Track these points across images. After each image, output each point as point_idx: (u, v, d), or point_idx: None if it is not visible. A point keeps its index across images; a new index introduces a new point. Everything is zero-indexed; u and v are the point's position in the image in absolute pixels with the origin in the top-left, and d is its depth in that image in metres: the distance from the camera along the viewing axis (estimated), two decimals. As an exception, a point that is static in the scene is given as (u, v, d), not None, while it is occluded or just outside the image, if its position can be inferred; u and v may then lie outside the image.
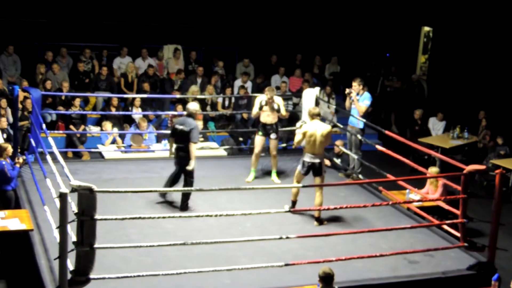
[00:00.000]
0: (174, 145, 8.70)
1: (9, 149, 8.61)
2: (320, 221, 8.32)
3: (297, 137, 8.62)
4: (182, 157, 8.55)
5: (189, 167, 8.48)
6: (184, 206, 8.57)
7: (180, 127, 8.56)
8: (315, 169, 8.37)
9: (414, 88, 15.95)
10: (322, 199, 8.30)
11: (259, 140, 9.97)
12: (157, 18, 16.17)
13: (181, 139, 8.56)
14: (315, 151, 8.33)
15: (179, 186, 8.64)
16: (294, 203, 8.50)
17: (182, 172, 8.64)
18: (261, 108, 9.82)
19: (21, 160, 8.73)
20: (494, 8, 14.76)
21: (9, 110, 11.51)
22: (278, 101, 9.85)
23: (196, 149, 8.66)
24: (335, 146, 10.81)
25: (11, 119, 11.34)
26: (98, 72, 13.81)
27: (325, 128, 8.41)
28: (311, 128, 8.37)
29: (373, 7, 17.24)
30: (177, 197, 8.74)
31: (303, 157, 8.45)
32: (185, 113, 8.95)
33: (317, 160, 8.33)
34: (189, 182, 8.58)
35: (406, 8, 16.90)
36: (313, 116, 8.49)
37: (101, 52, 14.63)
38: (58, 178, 6.70)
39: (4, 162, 8.41)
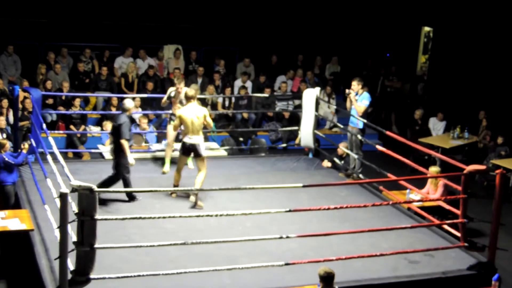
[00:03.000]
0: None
1: (7, 146, 8.69)
2: (195, 201, 8.61)
3: (175, 122, 8.95)
4: (113, 150, 8.58)
5: (131, 163, 8.46)
6: (130, 197, 8.63)
7: (113, 123, 8.60)
8: (195, 150, 8.67)
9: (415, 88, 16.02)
10: (203, 178, 8.69)
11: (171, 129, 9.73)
12: (157, 18, 16.18)
13: (113, 135, 8.59)
14: (193, 133, 8.62)
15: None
16: (175, 186, 8.84)
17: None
18: (169, 98, 9.89)
19: (26, 145, 8.75)
20: (494, 8, 14.76)
21: (10, 110, 11.52)
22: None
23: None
24: (338, 148, 10.79)
25: (11, 119, 11.35)
26: (98, 72, 13.82)
27: (201, 110, 8.69)
28: (186, 111, 8.62)
29: (373, 7, 17.24)
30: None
31: (183, 138, 8.77)
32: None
33: (195, 141, 8.63)
34: (114, 179, 8.53)
35: (406, 8, 16.90)
36: (188, 99, 8.72)
37: (102, 52, 14.64)
38: (59, 178, 6.71)
39: (2, 156, 8.47)
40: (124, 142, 8.44)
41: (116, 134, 8.52)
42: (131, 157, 8.53)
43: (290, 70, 15.08)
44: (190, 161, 9.76)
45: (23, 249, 7.54)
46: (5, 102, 11.55)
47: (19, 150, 8.85)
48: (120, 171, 8.57)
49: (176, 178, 8.92)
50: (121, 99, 13.10)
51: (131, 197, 8.70)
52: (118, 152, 8.54)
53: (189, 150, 8.71)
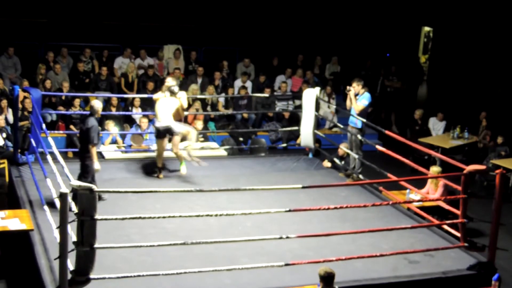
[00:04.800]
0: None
1: None
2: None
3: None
4: (80, 157, 8.38)
5: (96, 168, 8.27)
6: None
7: (81, 126, 8.50)
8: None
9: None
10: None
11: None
12: (157, 18, 16.19)
13: (81, 139, 8.43)
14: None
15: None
16: (160, 169, 9.80)
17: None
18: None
19: None
20: (494, 8, 14.77)
21: (9, 110, 11.52)
22: None
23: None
24: (339, 148, 10.77)
25: (11, 119, 11.34)
26: (98, 72, 13.81)
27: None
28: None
29: (373, 7, 17.25)
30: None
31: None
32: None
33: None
34: (83, 175, 8.26)
35: (406, 8, 16.92)
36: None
37: (101, 52, 14.63)
38: (59, 178, 6.71)
39: None
40: (92, 148, 8.23)
41: (84, 138, 8.31)
42: (97, 164, 8.32)
43: (287, 69, 15.04)
44: (183, 166, 9.76)
45: (23, 249, 7.54)
46: (4, 102, 11.53)
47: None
48: (88, 175, 8.27)
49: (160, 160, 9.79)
50: (121, 99, 13.15)
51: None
52: (84, 156, 8.30)
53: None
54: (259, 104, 13.88)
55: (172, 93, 9.68)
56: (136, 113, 12.47)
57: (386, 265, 7.21)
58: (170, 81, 9.85)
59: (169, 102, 9.68)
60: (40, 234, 7.54)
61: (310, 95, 10.79)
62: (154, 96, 9.86)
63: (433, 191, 9.30)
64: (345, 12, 17.24)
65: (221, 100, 13.82)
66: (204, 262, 6.81)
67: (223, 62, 15.01)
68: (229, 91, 13.73)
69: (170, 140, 9.78)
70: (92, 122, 8.31)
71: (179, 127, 9.68)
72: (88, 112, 8.85)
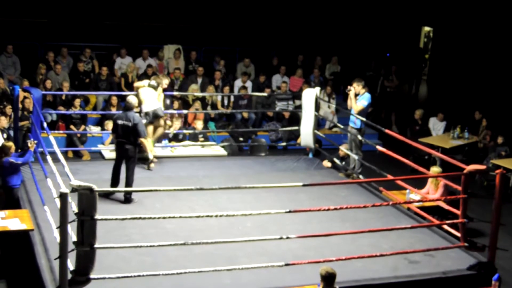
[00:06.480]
0: (115, 140, 8.89)
1: (13, 148, 8.68)
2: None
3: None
4: (127, 149, 8.70)
5: (151, 158, 9.10)
6: (127, 198, 8.66)
7: (121, 122, 8.73)
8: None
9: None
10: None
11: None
12: (157, 18, 16.20)
13: (124, 134, 8.70)
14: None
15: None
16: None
17: (121, 163, 8.77)
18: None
19: (33, 143, 8.73)
20: (494, 8, 14.78)
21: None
22: None
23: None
24: (339, 149, 10.77)
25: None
26: (98, 72, 13.81)
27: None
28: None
29: (373, 7, 17.26)
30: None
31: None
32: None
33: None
34: (131, 168, 8.74)
35: (406, 8, 16.93)
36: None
37: (102, 52, 14.63)
38: (59, 178, 6.71)
39: (8, 159, 8.44)
40: (144, 140, 8.85)
41: (133, 133, 8.65)
42: (151, 154, 9.16)
43: (281, 66, 15.02)
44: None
45: (23, 249, 7.54)
46: (9, 109, 11.41)
47: (26, 149, 8.78)
48: (134, 166, 8.82)
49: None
50: (121, 99, 13.14)
51: (128, 199, 8.70)
52: (132, 150, 8.70)
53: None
54: (259, 104, 13.88)
55: (154, 88, 10.19)
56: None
57: (386, 265, 7.21)
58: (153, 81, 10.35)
59: (151, 91, 10.11)
60: (40, 234, 7.54)
61: (310, 95, 10.79)
62: (139, 83, 10.30)
63: (433, 191, 9.30)
64: (345, 12, 17.25)
65: (220, 98, 13.79)
66: (204, 262, 6.81)
67: (220, 60, 15.01)
68: (224, 90, 13.72)
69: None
70: (138, 116, 8.83)
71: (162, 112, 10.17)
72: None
